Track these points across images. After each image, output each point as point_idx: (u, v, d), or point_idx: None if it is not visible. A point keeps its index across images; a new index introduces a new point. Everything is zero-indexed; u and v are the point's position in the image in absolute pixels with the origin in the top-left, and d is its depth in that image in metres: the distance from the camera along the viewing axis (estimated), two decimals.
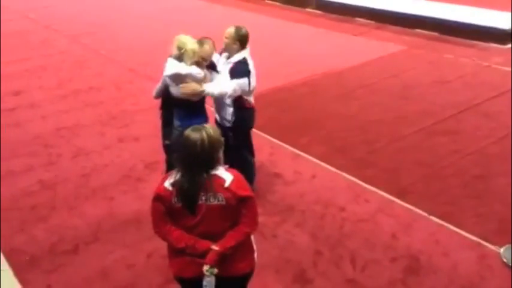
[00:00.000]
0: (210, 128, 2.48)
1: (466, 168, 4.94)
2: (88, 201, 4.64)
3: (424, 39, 9.35)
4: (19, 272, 3.75)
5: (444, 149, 5.32)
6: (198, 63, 3.88)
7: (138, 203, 4.52)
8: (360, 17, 10.90)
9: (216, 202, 2.43)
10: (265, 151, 5.33)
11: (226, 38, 4.13)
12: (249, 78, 4.04)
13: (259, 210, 4.28)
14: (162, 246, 3.91)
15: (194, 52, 3.84)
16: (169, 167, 4.10)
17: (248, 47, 4.18)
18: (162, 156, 4.65)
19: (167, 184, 2.47)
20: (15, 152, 5.50)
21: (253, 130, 4.62)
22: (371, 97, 6.78)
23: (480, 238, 3.91)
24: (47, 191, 4.81)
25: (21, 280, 3.67)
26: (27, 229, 4.25)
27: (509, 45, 8.71)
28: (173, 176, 2.49)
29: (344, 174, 4.91)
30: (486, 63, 7.91)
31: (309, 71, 7.65)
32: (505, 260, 3.65)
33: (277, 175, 4.91)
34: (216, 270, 2.47)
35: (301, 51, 8.79)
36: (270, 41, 8.98)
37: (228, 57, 4.18)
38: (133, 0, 13.77)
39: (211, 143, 2.42)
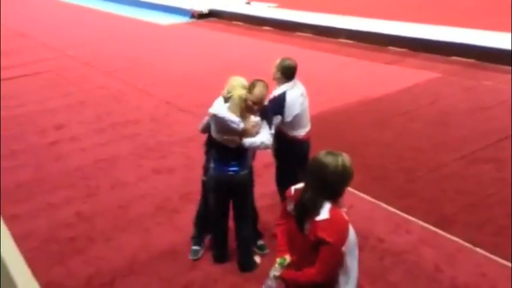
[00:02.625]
0: (346, 157, 2.41)
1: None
2: (125, 232, 4.65)
3: (459, 66, 9.20)
4: None
5: (487, 177, 5.12)
6: (248, 109, 3.67)
7: (173, 234, 4.51)
8: (392, 45, 10.85)
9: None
10: None
11: (273, 68, 4.16)
12: (281, 113, 4.03)
13: None
14: (199, 278, 3.91)
15: (241, 98, 3.65)
16: (204, 203, 4.08)
17: (295, 79, 4.15)
18: (197, 187, 4.65)
19: (293, 187, 2.51)
20: (55, 184, 5.63)
21: None
22: (408, 124, 6.65)
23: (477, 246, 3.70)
24: (84, 223, 4.86)
25: None
26: (65, 261, 4.28)
27: None
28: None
29: (382, 204, 4.77)
30: None
31: (342, 100, 7.60)
32: None
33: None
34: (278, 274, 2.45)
35: (334, 79, 8.78)
36: (302, 70, 9.00)
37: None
38: (168, 35, 14.21)
39: (342, 172, 2.35)
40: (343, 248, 2.33)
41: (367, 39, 11.36)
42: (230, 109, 3.64)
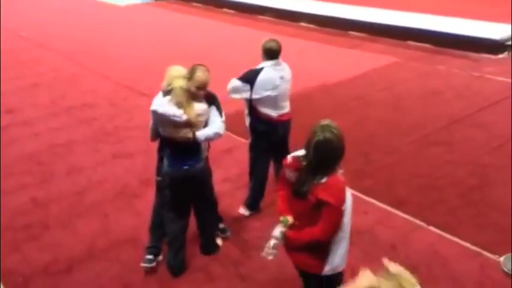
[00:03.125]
0: (338, 128, 2.54)
1: (462, 179, 4.92)
2: (82, 218, 4.57)
3: (416, 51, 9.43)
4: None
5: (439, 159, 5.31)
6: (193, 97, 3.51)
7: (133, 219, 4.47)
8: (353, 30, 10.99)
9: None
10: None
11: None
12: (251, 84, 4.07)
13: (257, 223, 4.29)
14: (160, 262, 3.90)
15: (182, 89, 3.48)
16: (160, 208, 3.89)
17: (278, 61, 4.17)
18: None
19: (292, 154, 2.66)
20: (8, 170, 5.44)
21: (245, 142, 4.61)
22: (364, 109, 6.78)
23: (479, 248, 3.88)
24: (40, 209, 4.74)
25: None
26: (20, 249, 4.17)
27: (501, 55, 8.79)
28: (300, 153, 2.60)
29: None
30: (478, 74, 7.96)
31: (302, 84, 7.64)
32: (505, 270, 3.62)
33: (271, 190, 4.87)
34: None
35: (294, 64, 8.73)
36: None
37: None
38: (126, 17, 13.84)
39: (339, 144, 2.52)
40: (343, 207, 2.50)
41: (328, 23, 11.44)
42: (172, 102, 3.46)
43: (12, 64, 9.54)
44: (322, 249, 2.63)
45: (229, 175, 5.21)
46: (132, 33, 11.85)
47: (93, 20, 13.57)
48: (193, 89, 3.47)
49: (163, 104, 3.49)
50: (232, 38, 11.13)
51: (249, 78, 4.11)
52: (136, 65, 9.24)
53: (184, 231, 3.82)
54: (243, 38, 11.08)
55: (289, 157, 2.67)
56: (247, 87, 4.09)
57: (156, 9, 14.87)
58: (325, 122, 2.54)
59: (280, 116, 4.26)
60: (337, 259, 2.67)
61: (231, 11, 13.87)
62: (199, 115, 3.51)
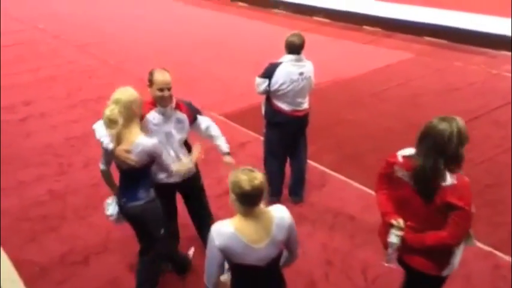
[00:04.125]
0: (460, 121, 2.39)
1: (478, 177, 4.87)
2: (98, 210, 4.61)
3: (432, 47, 9.34)
4: (29, 283, 3.75)
5: None
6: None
7: None
8: (368, 25, 10.91)
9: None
10: None
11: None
12: (269, 78, 4.12)
13: None
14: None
15: (106, 115, 3.01)
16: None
17: (299, 56, 4.15)
18: None
19: (400, 154, 2.58)
20: (26, 162, 5.53)
21: (259, 137, 4.60)
22: (380, 105, 6.75)
23: (493, 248, 3.86)
24: (57, 200, 4.82)
25: None
26: (38, 239, 4.25)
27: None
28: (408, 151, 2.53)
29: (354, 183, 4.88)
30: (496, 71, 7.86)
31: (317, 79, 7.60)
32: None
33: (286, 184, 4.88)
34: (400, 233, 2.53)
35: (309, 58, 8.76)
36: (277, 49, 8.99)
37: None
38: (141, 10, 13.89)
39: (458, 136, 2.36)
40: (473, 210, 2.41)
41: (343, 18, 11.37)
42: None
43: (30, 56, 9.66)
44: (447, 251, 2.55)
45: None
46: (146, 26, 11.90)
47: (108, 12, 13.64)
48: (157, 93, 3.24)
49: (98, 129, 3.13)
50: (246, 32, 11.12)
51: (267, 73, 4.15)
52: (149, 57, 9.29)
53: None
54: (257, 31, 11.06)
55: (399, 155, 2.58)
56: (266, 82, 4.14)
57: (171, 2, 14.89)
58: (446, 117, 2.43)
59: (295, 111, 4.26)
60: (457, 259, 2.60)
61: (245, 5, 13.84)
62: (128, 151, 3.00)
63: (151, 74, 3.33)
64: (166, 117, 3.31)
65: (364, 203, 4.56)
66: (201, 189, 3.72)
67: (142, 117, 3.25)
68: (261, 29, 11.28)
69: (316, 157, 5.34)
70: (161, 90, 3.25)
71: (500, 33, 8.92)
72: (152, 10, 13.85)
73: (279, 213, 2.40)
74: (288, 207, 4.40)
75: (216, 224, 2.34)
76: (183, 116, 3.39)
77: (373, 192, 4.64)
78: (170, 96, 3.30)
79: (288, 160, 4.56)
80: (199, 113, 3.55)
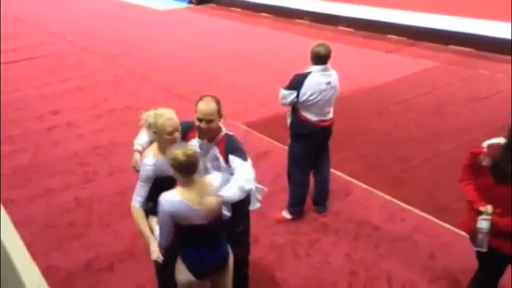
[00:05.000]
0: None
1: None
2: (123, 218, 4.67)
3: (457, 55, 9.21)
4: None
5: None
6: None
7: None
8: (392, 34, 10.83)
9: None
10: None
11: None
12: (298, 90, 4.07)
13: (292, 227, 4.28)
14: None
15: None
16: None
17: (326, 66, 4.13)
18: None
19: (486, 143, 2.71)
20: (53, 170, 5.64)
21: (282, 146, 4.54)
22: (405, 114, 6.68)
23: None
24: (82, 208, 4.89)
25: None
26: (64, 246, 4.32)
27: None
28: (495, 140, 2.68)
29: (378, 192, 4.82)
30: None
31: (340, 88, 7.54)
32: None
33: (310, 193, 4.86)
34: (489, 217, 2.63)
35: (333, 67, 8.74)
36: (301, 59, 9.00)
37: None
38: (166, 22, 14.12)
39: None
40: None
41: (366, 27, 11.33)
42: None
43: (58, 67, 9.89)
44: None
45: (265, 179, 5.23)
46: (171, 37, 12.08)
47: (134, 23, 13.91)
48: (196, 122, 2.98)
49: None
50: (269, 42, 11.17)
51: (295, 84, 4.10)
52: (175, 68, 9.42)
53: None
54: (281, 42, 11.10)
55: (485, 145, 2.71)
56: (294, 93, 4.09)
57: (195, 13, 15.11)
58: None
59: (322, 121, 4.23)
60: None
61: (269, 16, 13.93)
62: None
63: (198, 100, 3.03)
64: (202, 150, 3.01)
65: (388, 213, 4.50)
66: None
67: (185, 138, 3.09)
68: (284, 39, 11.31)
69: (340, 166, 5.29)
70: (199, 120, 2.96)
71: None
72: (177, 22, 14.06)
73: (214, 179, 2.82)
74: (311, 216, 4.46)
75: (163, 194, 2.69)
76: (218, 154, 3.01)
77: (397, 202, 4.64)
78: (209, 129, 2.97)
79: (312, 170, 4.53)
80: (235, 151, 2.99)
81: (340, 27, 11.89)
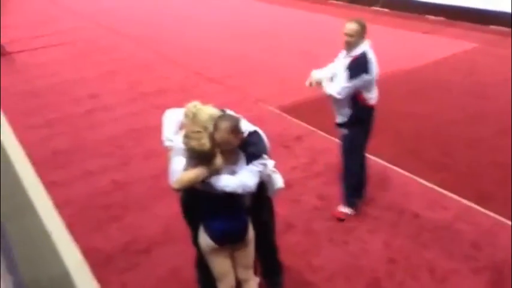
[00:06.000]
0: None
1: None
2: (159, 201, 4.73)
3: (498, 36, 8.83)
4: (96, 270, 3.87)
5: None
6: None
7: None
8: (429, 14, 10.47)
9: None
10: (335, 153, 5.20)
11: (350, 35, 3.71)
12: (367, 71, 3.72)
13: (328, 214, 4.21)
14: None
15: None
16: None
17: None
18: None
19: None
20: (91, 152, 5.74)
21: (315, 130, 4.41)
22: (445, 96, 6.46)
23: None
24: (120, 191, 4.96)
25: (98, 278, 3.78)
26: (102, 228, 4.39)
27: None
28: None
29: (418, 178, 4.69)
30: None
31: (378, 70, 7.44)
32: None
33: None
34: None
35: None
36: (336, 40, 8.81)
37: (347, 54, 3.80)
38: (197, 4, 14.06)
39: None
40: None
41: (403, 7, 10.98)
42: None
43: (93, 51, 10.01)
44: None
45: (299, 163, 5.18)
46: (203, 19, 12.01)
47: (165, 6, 13.89)
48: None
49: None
50: (302, 23, 10.98)
51: (362, 68, 3.72)
52: (207, 50, 9.38)
53: None
54: (314, 23, 10.89)
55: None
56: (364, 78, 3.73)
57: None
58: None
59: (375, 100, 3.95)
60: None
61: None
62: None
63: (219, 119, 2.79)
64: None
65: (428, 199, 4.38)
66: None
67: None
68: (318, 20, 11.10)
69: (377, 151, 5.15)
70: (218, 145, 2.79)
71: None
72: (208, 4, 13.97)
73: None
74: None
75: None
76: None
77: (437, 188, 4.50)
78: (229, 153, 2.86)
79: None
80: (251, 155, 2.85)
81: (375, 8, 11.56)
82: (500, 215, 4.05)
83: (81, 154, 5.68)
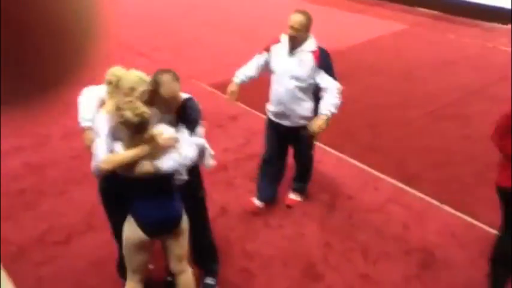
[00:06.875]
0: None
1: (477, 155, 4.74)
2: (80, 185, 4.34)
3: (424, 18, 9.09)
4: (7, 264, 3.47)
5: (453, 134, 5.12)
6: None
7: None
8: None
9: None
10: None
11: (296, 29, 3.44)
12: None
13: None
14: None
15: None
16: None
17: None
18: None
19: None
20: (2, 132, 5.16)
21: (251, 110, 4.25)
22: (372, 78, 6.52)
23: (498, 230, 3.73)
24: (34, 174, 4.50)
25: (10, 273, 3.39)
26: (14, 216, 3.96)
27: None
28: None
29: (350, 159, 4.68)
30: (491, 44, 7.68)
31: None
32: None
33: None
34: None
35: None
36: (268, 20, 8.61)
37: (293, 48, 3.51)
38: None
39: None
40: None
41: None
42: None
43: None
44: None
45: (234, 144, 4.99)
46: None
47: None
48: (161, 104, 2.65)
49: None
50: (246, 1, 10.67)
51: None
52: (136, 22, 8.83)
53: None
54: (260, 2, 10.62)
55: None
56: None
57: None
58: None
59: None
60: None
61: None
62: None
63: (157, 79, 2.63)
64: (156, 117, 2.72)
65: (360, 181, 4.38)
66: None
67: None
68: None
69: None
70: (166, 102, 2.69)
71: (495, 4, 8.70)
72: None
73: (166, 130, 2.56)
74: (282, 185, 4.26)
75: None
76: (174, 122, 2.76)
77: (369, 169, 4.52)
78: (172, 107, 2.75)
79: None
80: (188, 121, 2.75)
81: None
82: (429, 196, 4.12)
83: None
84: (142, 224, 2.64)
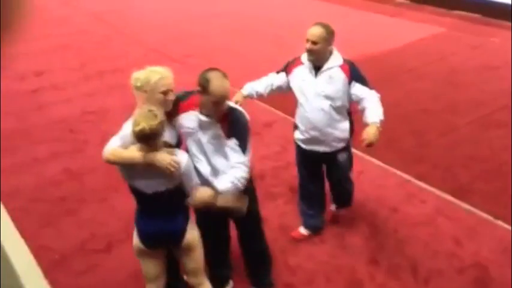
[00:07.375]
0: None
1: None
2: (118, 193, 4.30)
3: (464, 21, 8.80)
4: (48, 273, 3.45)
5: (502, 142, 4.88)
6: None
7: None
8: None
9: None
10: None
11: (315, 42, 3.15)
12: None
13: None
14: None
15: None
16: None
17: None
18: None
19: None
20: (40, 137, 5.20)
21: (286, 117, 4.19)
22: (415, 83, 6.32)
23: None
24: (74, 181, 4.50)
25: (51, 282, 3.37)
26: (55, 223, 3.96)
27: None
28: None
29: (394, 170, 4.51)
30: None
31: (343, 56, 7.19)
32: None
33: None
34: None
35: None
36: (291, 23, 8.50)
37: (318, 68, 3.24)
38: None
39: None
40: None
41: None
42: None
43: (38, 23, 9.20)
44: None
45: (270, 152, 4.89)
46: None
47: None
48: (209, 105, 2.60)
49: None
50: (264, 2, 10.59)
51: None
52: (166, 27, 8.85)
53: None
54: (276, 2, 10.52)
55: None
56: None
57: None
58: None
59: None
60: None
61: None
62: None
63: (205, 79, 2.60)
64: (202, 126, 2.74)
65: (405, 192, 4.21)
66: None
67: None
68: (292, 3, 10.74)
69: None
70: (215, 104, 2.63)
71: None
72: None
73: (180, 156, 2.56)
74: None
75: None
76: (220, 132, 2.74)
77: (415, 181, 4.34)
78: (221, 112, 2.72)
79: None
80: (238, 135, 2.70)
81: None
82: (480, 210, 3.92)
83: (28, 138, 5.14)
84: (140, 235, 2.72)
